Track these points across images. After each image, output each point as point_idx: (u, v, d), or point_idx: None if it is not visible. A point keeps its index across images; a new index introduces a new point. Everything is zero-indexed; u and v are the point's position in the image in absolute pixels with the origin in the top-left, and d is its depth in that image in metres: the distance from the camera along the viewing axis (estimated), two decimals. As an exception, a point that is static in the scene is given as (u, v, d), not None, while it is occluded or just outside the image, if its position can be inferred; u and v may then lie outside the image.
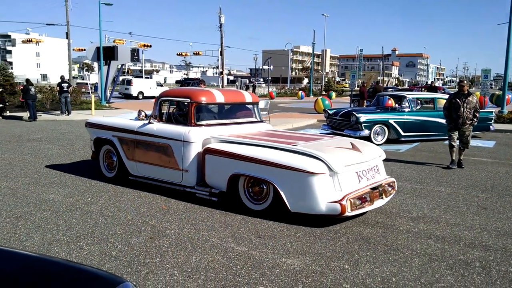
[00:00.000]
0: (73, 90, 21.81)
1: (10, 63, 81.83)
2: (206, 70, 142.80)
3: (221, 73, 42.68)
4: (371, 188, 5.22)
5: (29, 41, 43.94)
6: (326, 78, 57.82)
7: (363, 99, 21.47)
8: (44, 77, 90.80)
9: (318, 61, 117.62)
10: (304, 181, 4.92)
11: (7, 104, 19.35)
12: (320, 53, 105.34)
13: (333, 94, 36.71)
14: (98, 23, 24.98)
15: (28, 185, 6.63)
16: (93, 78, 62.56)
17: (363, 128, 11.44)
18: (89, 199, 5.92)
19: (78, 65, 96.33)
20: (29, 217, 5.09)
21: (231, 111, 7.00)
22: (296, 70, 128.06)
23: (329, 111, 13.09)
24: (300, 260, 3.99)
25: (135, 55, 29.41)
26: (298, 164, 4.97)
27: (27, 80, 17.88)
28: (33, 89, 17.38)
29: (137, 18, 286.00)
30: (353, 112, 11.72)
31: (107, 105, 24.43)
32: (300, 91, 40.67)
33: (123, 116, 7.60)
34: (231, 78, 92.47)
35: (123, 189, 6.47)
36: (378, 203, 5.29)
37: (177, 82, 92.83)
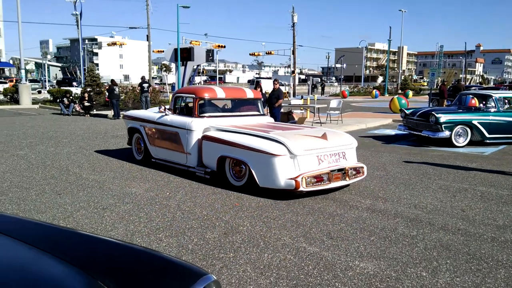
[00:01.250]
0: (152, 90, 23.00)
1: (97, 64, 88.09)
2: (278, 69, 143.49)
3: (293, 72, 42.65)
4: (331, 170, 6.06)
5: (114, 44, 47.01)
6: (403, 76, 55.49)
7: (443, 99, 20.31)
8: (126, 77, 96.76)
9: (394, 58, 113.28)
10: (268, 161, 5.92)
11: (94, 103, 20.92)
12: (397, 50, 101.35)
13: (410, 93, 35.12)
14: (176, 25, 26.07)
15: (113, 178, 7.12)
16: (171, 78, 65.45)
17: (443, 129, 10.84)
18: (168, 193, 6.22)
19: (157, 66, 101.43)
20: (114, 208, 5.46)
21: (233, 105, 8.11)
22: (370, 68, 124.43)
23: (406, 111, 12.55)
24: (374, 264, 3.88)
25: (210, 55, 30.21)
26: (264, 148, 5.99)
27: (112, 81, 19.18)
28: (117, 89, 18.60)
29: (213, 19, 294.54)
30: (433, 112, 11.14)
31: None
32: (375, 90, 39.44)
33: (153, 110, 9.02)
34: (303, 77, 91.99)
35: (199, 185, 6.72)
36: (339, 183, 6.19)
37: (248, 81, 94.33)
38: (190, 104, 7.71)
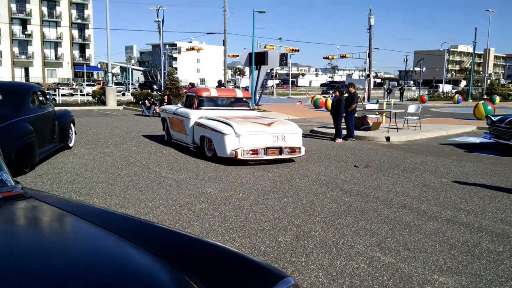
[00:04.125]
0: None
1: (176, 68, 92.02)
2: (352, 73, 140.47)
3: (368, 75, 41.54)
4: (268, 147, 8.46)
5: (192, 49, 48.97)
6: (489, 81, 51.72)
7: (536, 105, 18.64)
8: (203, 81, 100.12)
9: (479, 61, 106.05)
10: (221, 138, 8.54)
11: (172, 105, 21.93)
12: (482, 52, 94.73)
13: (497, 99, 32.62)
14: (252, 30, 26.55)
15: (189, 178, 7.42)
16: (244, 82, 66.76)
17: (536, 138, 9.95)
18: (241, 195, 6.35)
19: (231, 70, 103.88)
20: (190, 207, 5.69)
21: (226, 101, 10.69)
22: (453, 72, 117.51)
23: (492, 118, 11.68)
24: (455, 280, 3.67)
25: (283, 59, 30.42)
26: (220, 129, 8.64)
27: (192, 84, 19.98)
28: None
29: (287, 23, 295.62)
30: (523, 120, 10.27)
31: (256, 107, 25.82)
32: (457, 95, 37.20)
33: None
34: (378, 80, 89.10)
35: (271, 188, 6.79)
36: (275, 157, 8.62)
37: (321, 85, 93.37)
38: (193, 100, 10.35)
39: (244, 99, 10.91)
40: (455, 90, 53.27)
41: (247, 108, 10.70)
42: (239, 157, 8.29)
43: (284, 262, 3.97)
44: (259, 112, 10.88)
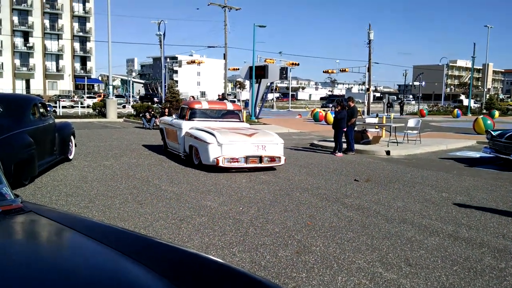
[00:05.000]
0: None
1: (176, 81, 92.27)
2: (352, 87, 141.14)
3: (367, 89, 41.72)
4: (248, 156, 9.01)
5: (193, 62, 49.32)
6: (488, 95, 51.95)
7: (535, 120, 18.68)
8: (203, 94, 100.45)
9: (478, 76, 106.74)
10: (205, 146, 9.14)
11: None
12: (481, 67, 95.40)
13: (496, 113, 32.76)
14: (252, 44, 26.73)
15: (189, 191, 7.38)
16: (244, 95, 67.04)
17: (536, 153, 9.94)
18: (241, 208, 6.31)
19: (232, 83, 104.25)
20: (190, 220, 5.65)
21: (217, 113, 11.27)
22: (452, 86, 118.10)
23: (492, 132, 11.69)
24: (458, 297, 3.62)
25: (283, 73, 30.57)
26: (204, 138, 9.26)
27: (193, 97, 20.05)
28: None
29: (287, 37, 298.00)
30: (523, 134, 10.27)
31: (256, 120, 25.86)
32: (456, 109, 37.32)
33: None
34: (378, 94, 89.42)
35: (271, 202, 6.75)
36: (255, 165, 9.15)
37: (321, 98, 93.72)
38: (185, 112, 11.04)
39: (235, 112, 11.55)
40: (454, 105, 53.37)
41: (237, 120, 11.24)
42: (220, 164, 8.84)
43: (285, 278, 3.92)
44: (248, 124, 11.81)
